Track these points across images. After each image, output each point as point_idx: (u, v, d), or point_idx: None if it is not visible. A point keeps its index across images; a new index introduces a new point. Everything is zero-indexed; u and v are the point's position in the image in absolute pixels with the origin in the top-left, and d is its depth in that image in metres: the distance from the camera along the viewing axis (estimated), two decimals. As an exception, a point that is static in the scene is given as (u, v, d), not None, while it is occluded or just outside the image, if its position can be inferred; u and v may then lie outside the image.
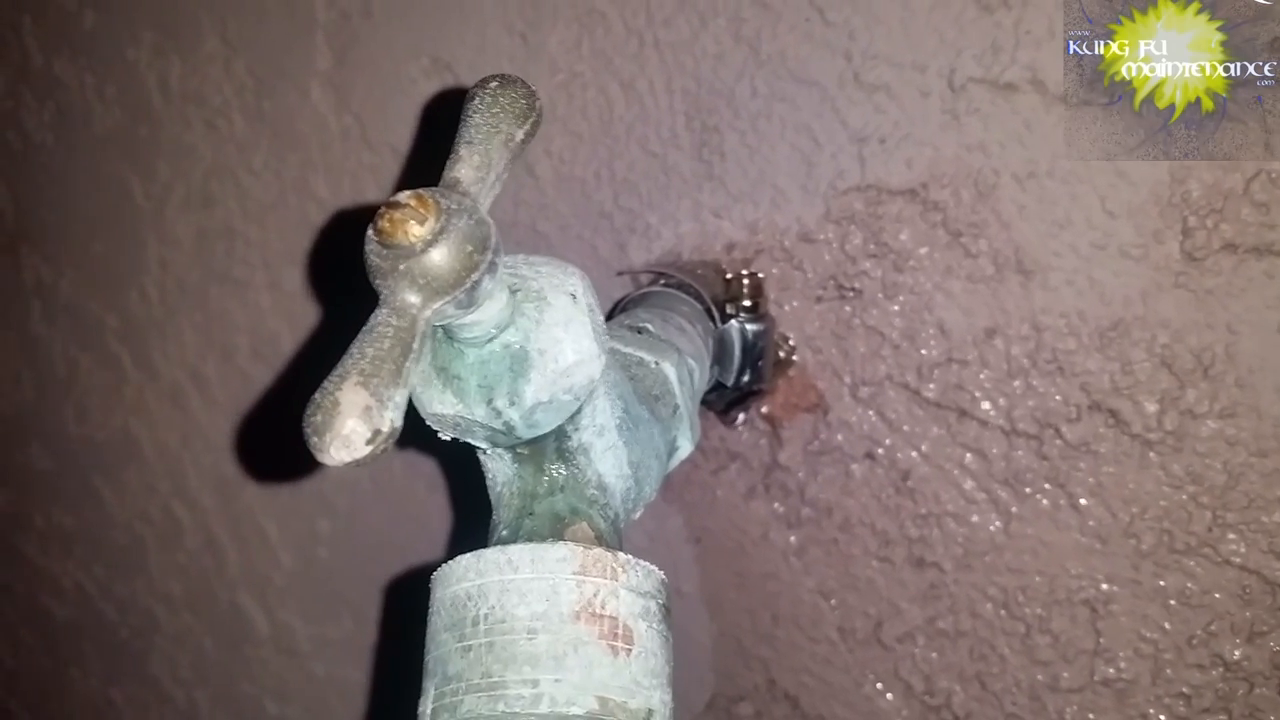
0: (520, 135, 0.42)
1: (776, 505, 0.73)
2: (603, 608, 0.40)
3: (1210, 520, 0.63)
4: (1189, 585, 0.64)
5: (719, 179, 0.70)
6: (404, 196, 0.37)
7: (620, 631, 0.41)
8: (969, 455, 0.67)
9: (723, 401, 0.69)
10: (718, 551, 0.75)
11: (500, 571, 0.40)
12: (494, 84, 0.42)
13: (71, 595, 1.06)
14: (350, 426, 0.34)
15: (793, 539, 0.73)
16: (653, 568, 0.42)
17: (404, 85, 0.78)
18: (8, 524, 1.06)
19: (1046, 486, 0.66)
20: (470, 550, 0.42)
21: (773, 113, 0.67)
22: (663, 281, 0.67)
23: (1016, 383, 0.65)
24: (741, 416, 0.71)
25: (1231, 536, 0.63)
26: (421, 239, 0.36)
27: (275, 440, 0.90)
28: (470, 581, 0.41)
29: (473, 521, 0.81)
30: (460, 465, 0.80)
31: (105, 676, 1.07)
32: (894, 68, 0.64)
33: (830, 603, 0.72)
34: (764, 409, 0.71)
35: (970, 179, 0.64)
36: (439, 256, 0.36)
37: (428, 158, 0.78)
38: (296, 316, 0.87)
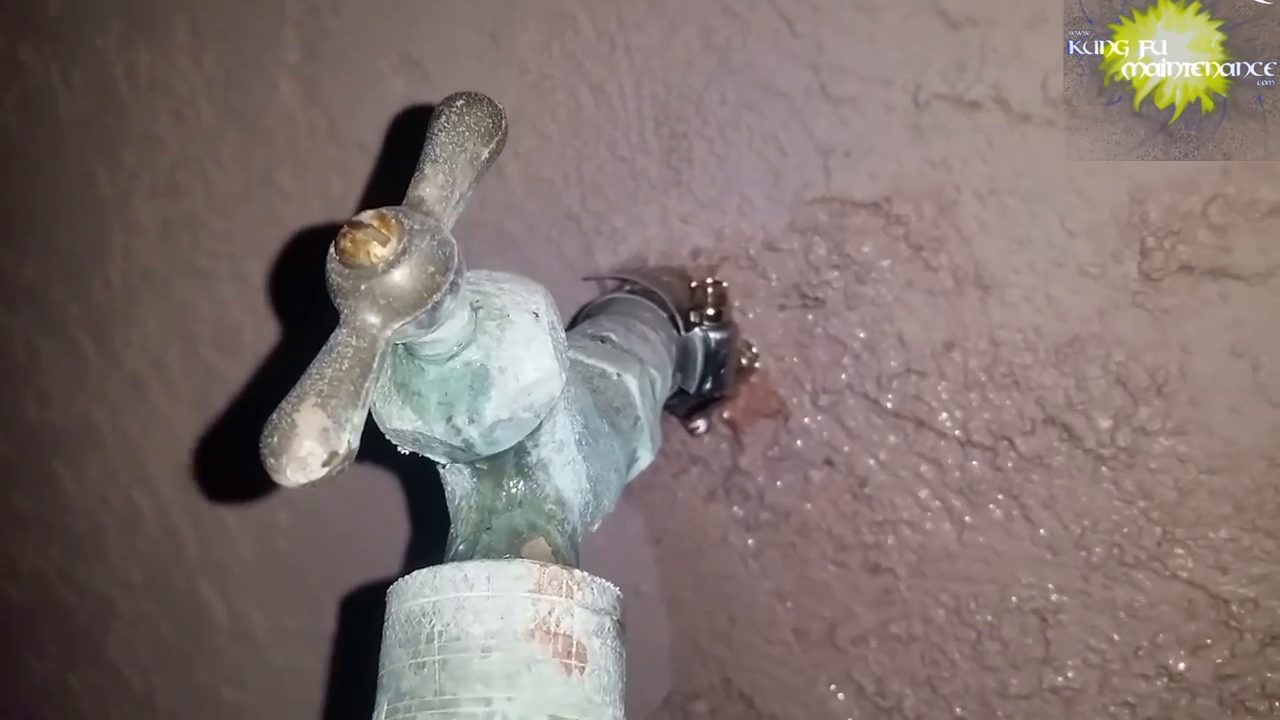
0: (485, 154, 0.42)
1: (736, 509, 0.73)
2: (557, 625, 0.41)
3: (1160, 535, 0.65)
4: (1137, 598, 0.66)
5: (686, 185, 0.70)
6: (367, 216, 0.37)
7: (574, 650, 0.41)
8: (925, 465, 0.68)
9: (684, 407, 0.70)
10: (677, 552, 0.76)
11: (456, 588, 0.41)
12: (460, 102, 0.42)
13: (28, 579, 1.06)
14: (307, 448, 0.34)
15: (751, 542, 0.74)
16: (608, 584, 0.43)
17: (373, 81, 0.78)
18: (-35, 508, 1.05)
19: (1000, 497, 0.67)
20: (427, 559, 0.42)
21: (740, 121, 0.68)
22: (627, 288, 0.68)
23: (973, 395, 0.66)
24: (703, 424, 0.71)
25: (1180, 551, 0.64)
26: (384, 259, 0.36)
27: (237, 436, 0.90)
28: (426, 598, 0.41)
29: (430, 520, 0.81)
30: (419, 467, 0.80)
31: (62, 661, 1.07)
32: (860, 81, 0.65)
33: (786, 605, 0.73)
34: (725, 414, 0.72)
35: (932, 194, 0.64)
36: (400, 277, 0.36)
37: (394, 157, 0.78)
38: (260, 309, 0.87)
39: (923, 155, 0.64)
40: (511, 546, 0.44)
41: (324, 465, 0.34)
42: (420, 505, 0.83)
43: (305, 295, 0.84)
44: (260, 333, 0.87)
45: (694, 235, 0.71)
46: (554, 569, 0.41)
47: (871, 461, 0.69)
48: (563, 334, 0.45)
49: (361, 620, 0.86)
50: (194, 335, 0.90)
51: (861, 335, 0.68)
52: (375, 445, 0.81)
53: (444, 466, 0.46)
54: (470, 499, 0.46)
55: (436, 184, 0.40)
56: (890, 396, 0.68)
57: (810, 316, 0.69)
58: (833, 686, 0.73)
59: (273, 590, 0.93)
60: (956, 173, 0.64)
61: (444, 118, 0.41)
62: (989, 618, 0.69)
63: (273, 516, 0.91)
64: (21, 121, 0.94)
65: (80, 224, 0.93)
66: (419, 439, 0.43)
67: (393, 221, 0.37)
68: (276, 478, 0.34)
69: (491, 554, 0.44)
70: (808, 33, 0.65)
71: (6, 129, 0.95)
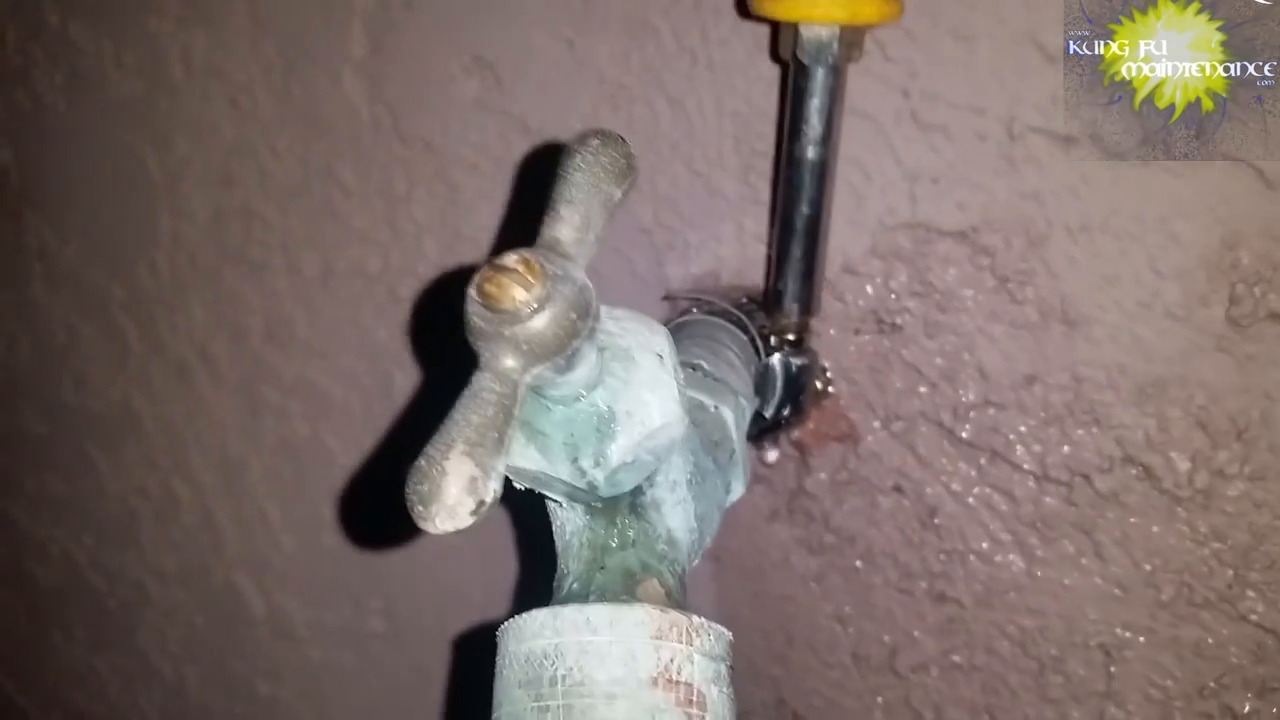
0: (619, 195, 0.41)
1: (799, 530, 0.73)
2: (678, 674, 0.41)
3: (1231, 578, 0.65)
4: (1204, 638, 0.66)
5: (764, 204, 0.69)
6: (510, 260, 0.37)
7: (695, 698, 0.41)
8: (998, 496, 0.68)
9: (755, 429, 0.69)
10: (736, 571, 0.76)
11: (579, 632, 0.40)
12: (595, 142, 0.41)
13: (58, 562, 1.05)
14: (456, 497, 0.34)
15: (813, 564, 0.73)
16: (723, 630, 0.43)
17: (442, 81, 0.77)
18: (-4, 486, 1.04)
19: (1073, 533, 0.67)
20: (527, 600, 0.42)
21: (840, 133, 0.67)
22: (706, 308, 0.67)
23: (1052, 430, 0.66)
24: (775, 454, 0.71)
25: (1251, 594, 0.65)
26: (527, 304, 0.36)
27: (283, 431, 0.90)
28: (547, 639, 0.41)
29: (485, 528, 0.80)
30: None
31: (90, 645, 1.06)
32: (952, 109, 0.64)
33: (847, 629, 0.73)
34: (794, 435, 0.72)
35: (1022, 227, 0.64)
36: (543, 323, 0.36)
37: (463, 160, 0.77)
38: (314, 303, 0.86)
39: (1013, 187, 0.64)
40: (627, 588, 0.44)
41: (471, 514, 0.34)
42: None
43: (363, 298, 0.84)
44: (315, 326, 0.86)
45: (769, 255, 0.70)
46: (674, 614, 0.41)
47: (943, 490, 0.69)
48: (682, 376, 0.44)
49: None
50: (243, 326, 0.90)
51: (940, 364, 0.67)
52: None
53: (558, 503, 0.45)
54: (582, 535, 0.45)
55: (573, 225, 0.40)
56: (966, 427, 0.67)
57: (887, 342, 0.68)
58: (889, 713, 0.73)
59: (314, 585, 0.93)
60: (1048, 206, 0.63)
61: (579, 156, 0.41)
62: (1053, 651, 0.69)
63: (316, 511, 0.91)
64: (70, 101, 0.92)
65: (127, 208, 0.92)
66: (540, 478, 0.42)
67: (537, 266, 0.37)
68: (424, 525, 0.34)
69: (607, 594, 0.43)
70: (901, 57, 0.64)
71: (54, 107, 0.93)
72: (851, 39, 0.58)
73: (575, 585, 0.45)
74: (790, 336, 0.65)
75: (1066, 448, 0.66)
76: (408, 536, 0.85)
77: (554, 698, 0.40)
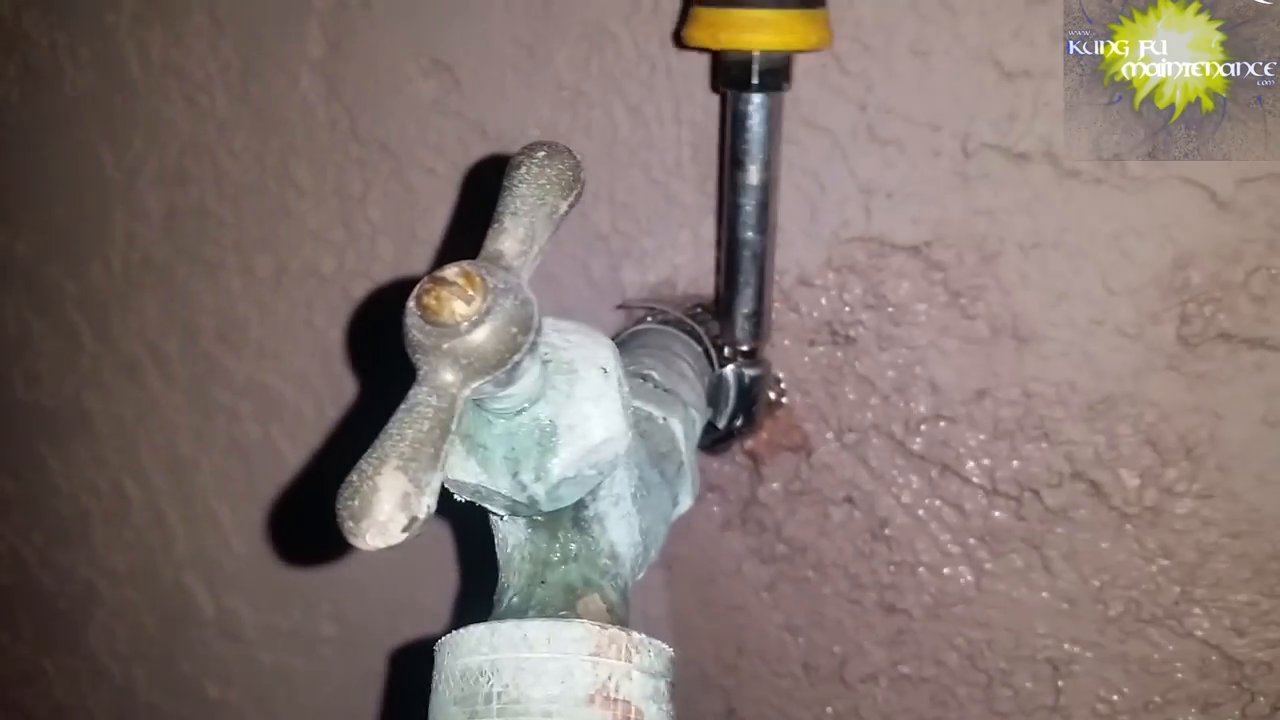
0: (564, 207, 0.41)
1: (751, 540, 0.73)
2: (616, 691, 0.40)
3: (1178, 594, 0.65)
4: (1151, 654, 0.66)
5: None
6: (451, 273, 0.36)
7: (632, 715, 0.41)
8: (948, 509, 0.68)
9: (708, 439, 0.69)
10: (688, 579, 0.76)
11: (515, 648, 0.40)
12: (541, 153, 0.40)
13: (6, 560, 1.04)
14: (388, 514, 0.33)
15: (765, 574, 0.73)
16: (663, 646, 0.43)
17: (400, 83, 0.76)
18: (-55, 485, 1.03)
19: (1022, 547, 0.67)
20: (472, 610, 0.42)
21: (781, 154, 0.67)
22: (659, 318, 0.67)
23: (1002, 445, 0.66)
24: (726, 466, 0.71)
25: (1197, 611, 0.65)
26: (467, 318, 0.35)
27: (235, 433, 0.89)
28: (483, 655, 0.40)
29: (438, 535, 0.80)
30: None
31: (37, 644, 1.05)
32: (908, 124, 0.64)
33: (797, 639, 0.73)
34: (747, 445, 0.71)
35: (975, 242, 0.64)
36: (483, 337, 0.35)
37: (419, 161, 0.76)
38: (267, 304, 0.85)
39: (967, 203, 0.64)
40: (567, 603, 0.43)
41: (404, 530, 0.34)
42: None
43: (317, 299, 0.83)
44: (267, 327, 0.85)
45: (725, 264, 0.70)
46: (614, 631, 0.41)
47: (893, 502, 0.69)
48: (628, 389, 0.44)
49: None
50: (196, 326, 0.89)
51: (892, 377, 0.67)
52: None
53: (499, 516, 0.45)
54: (523, 549, 0.45)
55: (517, 238, 0.39)
56: (917, 440, 0.68)
57: (840, 354, 0.68)
58: (838, 722, 0.73)
59: (265, 588, 0.92)
60: (1001, 223, 0.63)
61: (524, 168, 0.40)
62: (1002, 664, 0.69)
63: (267, 513, 0.90)
64: (23, 94, 0.91)
65: (81, 204, 0.90)
66: (480, 491, 0.42)
67: (477, 279, 0.36)
68: (355, 541, 0.34)
69: (547, 609, 0.43)
70: (857, 71, 0.64)
71: (7, 100, 0.92)
72: (779, 66, 0.59)
73: (515, 600, 0.44)
74: (744, 348, 0.65)
75: (1016, 462, 0.66)
76: (346, 549, 0.84)
77: (489, 715, 0.39)
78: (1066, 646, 0.68)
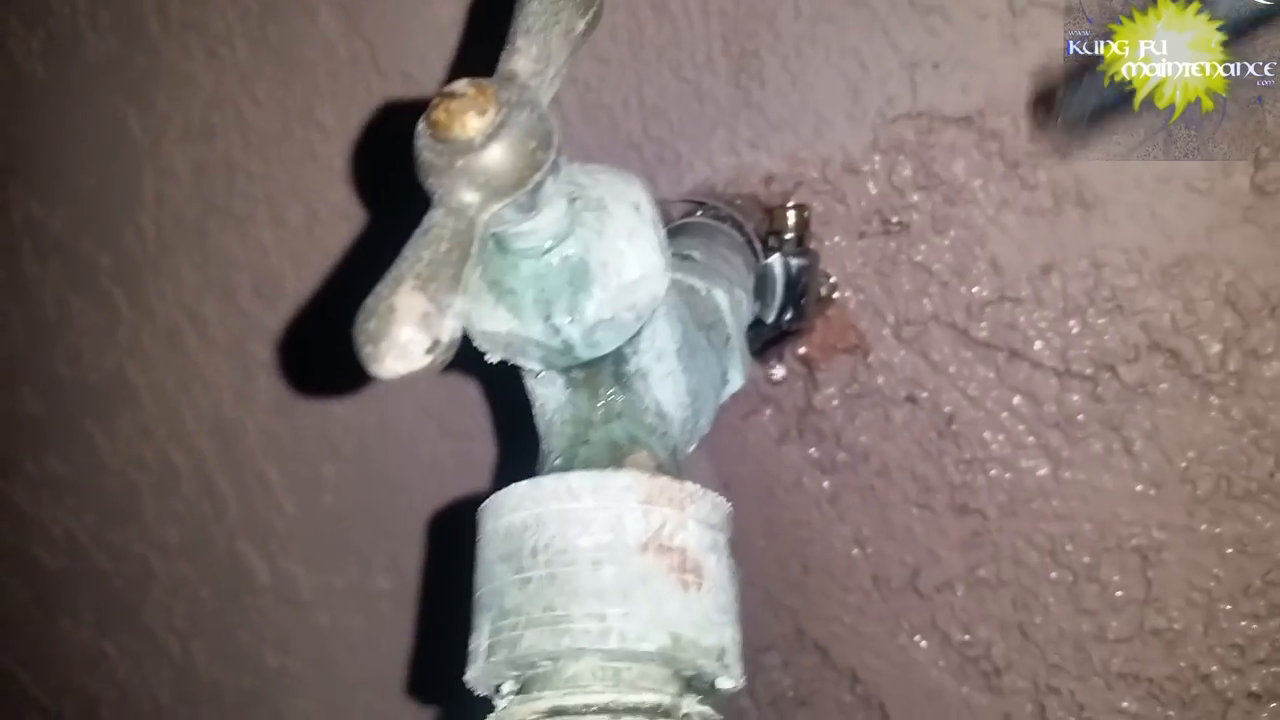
0: (581, 27, 0.38)
1: (811, 450, 0.70)
2: (671, 539, 0.37)
3: (1272, 465, 0.61)
4: (1246, 532, 0.62)
5: (757, 107, 0.66)
6: (461, 86, 0.34)
7: (690, 565, 0.38)
8: (1018, 398, 0.64)
9: (759, 341, 0.66)
10: (746, 498, 0.72)
11: (559, 500, 0.37)
12: (553, -33, 0.38)
13: (62, 544, 1.03)
14: (408, 334, 0.31)
15: (826, 485, 0.70)
16: (720, 498, 0.40)
17: (418, 6, 0.74)
18: (-5, 470, 1.02)
19: (1100, 430, 0.63)
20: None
21: (817, 36, 0.64)
22: (700, 213, 0.64)
23: (1072, 321, 0.63)
24: (781, 370, 0.68)
25: (1294, 482, 0.61)
26: (481, 132, 0.33)
27: (280, 381, 0.87)
28: (527, 510, 0.38)
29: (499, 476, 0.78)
30: (476, 406, 0.77)
31: (98, 627, 1.04)
32: (949, -12, 0.61)
33: (865, 550, 0.70)
34: (800, 350, 0.68)
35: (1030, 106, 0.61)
36: (500, 152, 0.33)
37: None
38: (301, 254, 0.84)
39: (1019, 65, 0.60)
40: (613, 460, 0.41)
41: (427, 353, 0.31)
42: (479, 453, 0.79)
43: (353, 238, 0.81)
44: (302, 279, 0.84)
45: (765, 161, 0.67)
46: (664, 480, 0.38)
47: (959, 396, 0.65)
48: (664, 231, 0.41)
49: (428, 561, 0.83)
50: (231, 284, 0.87)
51: (950, 261, 0.64)
52: (427, 390, 0.78)
53: (534, 377, 0.42)
54: (564, 411, 0.42)
55: (530, 56, 0.37)
56: (981, 326, 0.64)
57: (893, 243, 0.65)
58: (916, 635, 0.69)
59: (319, 548, 0.90)
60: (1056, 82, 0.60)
61: (535, -16, 0.38)
62: (1086, 558, 0.65)
63: (317, 471, 0.88)
64: (48, 66, 0.90)
65: (110, 171, 0.89)
66: (513, 341, 0.39)
67: (490, 91, 0.34)
68: (374, 368, 0.31)
69: (591, 467, 0.40)
70: (892, -64, 0.61)
71: (33, 74, 0.91)
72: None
73: (559, 462, 0.42)
74: (788, 236, 0.62)
75: (1089, 339, 0.63)
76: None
77: (535, 568, 0.37)
78: (1154, 533, 0.64)
